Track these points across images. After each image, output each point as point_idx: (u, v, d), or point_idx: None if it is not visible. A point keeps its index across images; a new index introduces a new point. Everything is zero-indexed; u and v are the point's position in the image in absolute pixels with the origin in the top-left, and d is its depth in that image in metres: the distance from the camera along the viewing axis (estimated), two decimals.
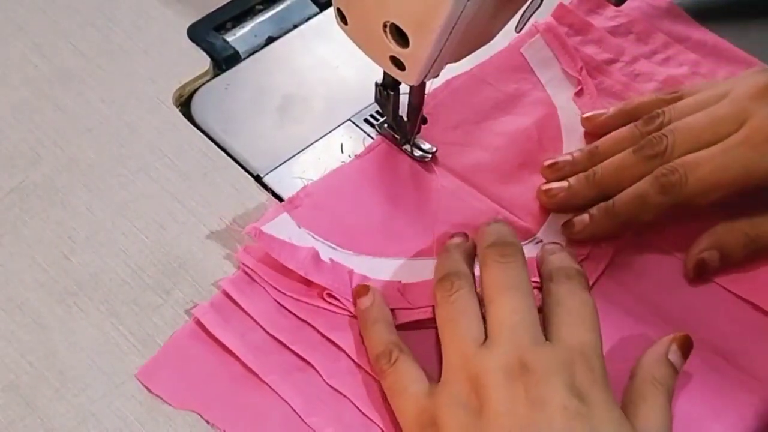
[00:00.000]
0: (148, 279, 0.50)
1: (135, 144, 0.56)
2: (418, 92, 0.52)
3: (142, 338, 0.48)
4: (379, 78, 0.53)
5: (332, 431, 0.45)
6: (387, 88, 0.53)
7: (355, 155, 0.56)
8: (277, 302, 0.49)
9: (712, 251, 0.51)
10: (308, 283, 0.49)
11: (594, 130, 0.57)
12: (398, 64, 0.47)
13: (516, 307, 0.44)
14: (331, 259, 0.50)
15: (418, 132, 0.55)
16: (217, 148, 0.56)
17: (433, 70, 0.46)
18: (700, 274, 0.51)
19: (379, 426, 0.45)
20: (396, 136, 0.55)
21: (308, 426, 0.45)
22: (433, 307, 0.47)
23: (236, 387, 0.46)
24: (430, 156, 0.55)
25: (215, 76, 0.60)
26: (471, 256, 0.49)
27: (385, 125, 0.56)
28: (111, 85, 0.58)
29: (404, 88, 0.52)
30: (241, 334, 0.48)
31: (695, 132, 0.50)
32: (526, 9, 0.48)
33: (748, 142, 0.49)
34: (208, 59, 0.60)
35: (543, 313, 0.45)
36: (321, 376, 0.46)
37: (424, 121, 0.55)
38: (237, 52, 0.61)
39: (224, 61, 0.60)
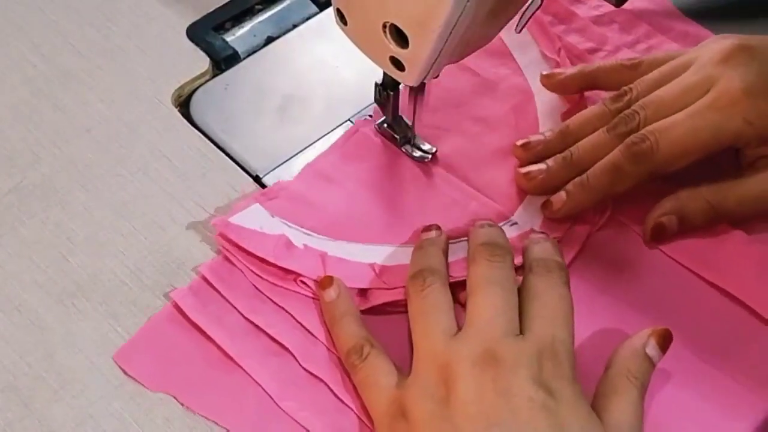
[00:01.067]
0: (146, 280, 0.50)
1: (134, 144, 0.56)
2: (417, 92, 0.52)
3: None
4: (379, 78, 0.52)
5: (307, 415, 0.45)
6: (387, 89, 0.53)
7: (333, 143, 0.56)
8: (255, 286, 0.49)
9: (671, 216, 0.51)
10: (286, 273, 0.49)
11: (552, 88, 0.58)
12: (398, 64, 0.46)
13: (495, 303, 0.44)
14: (304, 245, 0.50)
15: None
16: (216, 149, 0.56)
17: (433, 70, 0.46)
18: (657, 237, 0.51)
19: (353, 410, 0.45)
20: (395, 136, 0.55)
21: (282, 410, 0.45)
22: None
23: (212, 371, 0.46)
24: (429, 156, 0.55)
25: (214, 76, 0.60)
26: (445, 252, 0.49)
27: (385, 125, 0.56)
28: (110, 85, 0.58)
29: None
30: (218, 318, 0.48)
31: (665, 104, 0.51)
32: (526, 9, 0.48)
33: (714, 105, 0.50)
34: (207, 59, 0.60)
35: (519, 303, 0.45)
36: (297, 360, 0.47)
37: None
38: (236, 52, 0.61)
39: (223, 61, 0.60)
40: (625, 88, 0.53)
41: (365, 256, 0.50)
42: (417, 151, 0.55)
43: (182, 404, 0.45)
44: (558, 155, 0.53)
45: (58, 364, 0.47)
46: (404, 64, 0.46)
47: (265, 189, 0.53)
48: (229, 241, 0.50)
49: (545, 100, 0.58)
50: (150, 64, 0.60)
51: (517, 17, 0.49)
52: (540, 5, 0.47)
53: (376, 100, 0.54)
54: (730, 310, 0.49)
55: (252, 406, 0.45)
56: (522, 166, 0.54)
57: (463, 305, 0.46)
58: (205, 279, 0.49)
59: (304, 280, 0.49)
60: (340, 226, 0.52)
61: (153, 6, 0.63)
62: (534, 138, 0.54)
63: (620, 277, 0.51)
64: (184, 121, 0.57)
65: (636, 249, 0.52)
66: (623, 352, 0.45)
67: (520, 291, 0.46)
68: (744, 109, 0.49)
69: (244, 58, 0.61)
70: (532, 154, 0.54)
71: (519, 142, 0.54)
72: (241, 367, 0.46)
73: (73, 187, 0.53)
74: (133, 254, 0.51)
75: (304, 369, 0.46)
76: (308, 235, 0.51)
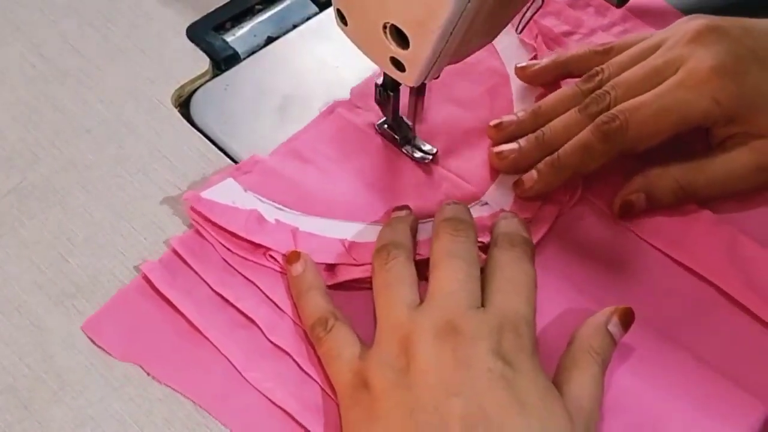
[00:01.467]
0: None
1: (133, 145, 0.55)
2: (418, 93, 0.52)
3: None
4: (379, 79, 0.52)
5: (272, 385, 0.45)
6: (387, 89, 0.52)
7: (309, 123, 0.56)
8: (224, 260, 0.49)
9: (639, 194, 0.52)
10: (256, 248, 0.50)
11: (527, 80, 0.58)
12: (398, 65, 0.46)
13: (457, 275, 0.45)
14: (276, 220, 0.51)
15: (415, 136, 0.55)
16: (216, 149, 0.56)
17: (433, 71, 0.46)
18: (626, 214, 0.52)
19: (317, 382, 0.46)
20: (396, 136, 0.55)
21: (248, 381, 0.46)
22: None
23: (179, 342, 0.47)
24: (430, 157, 0.55)
25: (214, 76, 0.60)
26: (413, 229, 0.50)
27: (385, 126, 0.56)
28: (109, 85, 0.58)
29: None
30: (187, 291, 0.48)
31: (635, 84, 0.52)
32: (527, 10, 0.48)
33: (683, 84, 0.51)
34: (207, 59, 0.60)
35: (483, 277, 0.46)
36: (263, 332, 0.47)
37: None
38: (236, 53, 0.61)
39: (223, 61, 0.60)
40: (596, 68, 0.54)
41: (336, 231, 0.51)
42: (417, 151, 0.55)
43: (148, 374, 0.46)
44: (530, 135, 0.54)
45: (58, 365, 0.46)
46: (404, 64, 0.46)
47: (240, 163, 0.54)
48: (201, 215, 0.50)
49: (520, 83, 0.59)
50: (150, 64, 0.59)
51: (517, 18, 0.49)
52: (541, 5, 0.47)
53: (376, 101, 0.54)
54: (698, 290, 0.50)
55: (218, 378, 0.46)
56: (495, 146, 0.54)
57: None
58: (175, 252, 0.50)
59: (273, 254, 0.49)
60: (312, 202, 0.52)
61: (153, 6, 0.63)
62: (507, 118, 0.55)
63: (589, 256, 0.51)
64: (184, 121, 0.57)
65: (606, 229, 0.52)
66: (586, 329, 0.46)
67: (485, 264, 0.47)
68: (713, 89, 0.50)
69: (244, 59, 0.61)
70: (504, 134, 0.55)
71: (492, 123, 0.55)
72: (208, 339, 0.47)
73: (73, 187, 0.53)
74: (133, 255, 0.51)
75: (270, 341, 0.47)
76: (280, 209, 0.52)
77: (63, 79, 0.58)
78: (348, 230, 0.51)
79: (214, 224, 0.50)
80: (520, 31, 0.49)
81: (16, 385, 0.46)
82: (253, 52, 0.61)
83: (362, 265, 0.49)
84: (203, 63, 0.60)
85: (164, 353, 0.47)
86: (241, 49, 0.61)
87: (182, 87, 0.59)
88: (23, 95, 0.57)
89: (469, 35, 0.45)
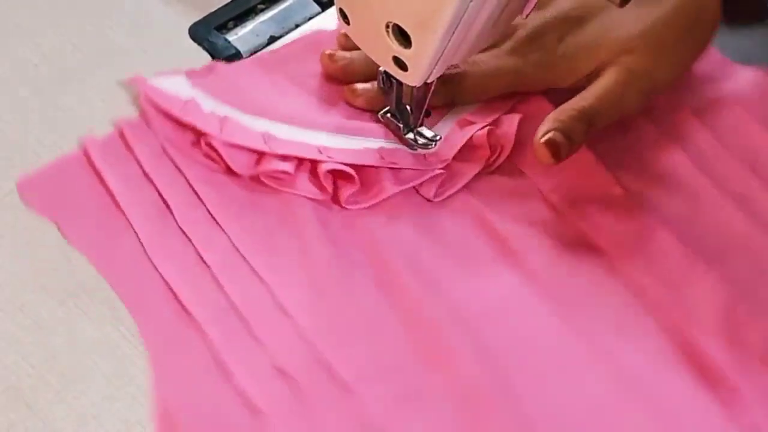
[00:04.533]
0: None
1: None
2: (422, 89, 0.52)
3: None
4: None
5: (173, 269, 0.48)
6: (390, 77, 0.52)
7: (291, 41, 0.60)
8: (162, 149, 0.52)
9: (555, 132, 0.51)
10: (196, 141, 0.53)
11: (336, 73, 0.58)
12: (401, 64, 0.46)
13: None
14: (212, 112, 0.54)
15: (422, 124, 0.55)
16: None
17: (436, 70, 0.46)
18: (555, 155, 0.51)
19: (210, 269, 0.48)
20: (399, 124, 0.55)
21: (150, 261, 0.48)
22: (298, 159, 0.52)
23: (99, 214, 0.50)
24: (434, 144, 0.54)
25: None
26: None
27: (388, 114, 0.55)
28: (111, 85, 0.58)
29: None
30: (119, 169, 0.51)
31: None
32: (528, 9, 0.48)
33: (515, 51, 0.55)
34: (210, 59, 0.60)
35: None
36: (175, 220, 0.50)
37: (428, 113, 0.55)
38: (238, 52, 0.61)
39: (226, 60, 0.60)
40: None
41: (263, 127, 0.53)
42: (421, 138, 0.54)
43: (63, 237, 0.49)
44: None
45: (61, 365, 0.46)
46: (407, 64, 0.46)
47: (199, 69, 0.57)
48: (148, 98, 0.54)
49: None
50: (152, 63, 0.59)
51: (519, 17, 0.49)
52: None
53: (380, 87, 0.54)
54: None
55: (126, 254, 0.49)
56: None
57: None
58: (119, 133, 0.53)
59: (211, 142, 0.52)
60: (251, 104, 0.55)
61: (155, 5, 0.62)
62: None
63: (505, 212, 0.53)
64: None
65: (522, 187, 0.54)
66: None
67: None
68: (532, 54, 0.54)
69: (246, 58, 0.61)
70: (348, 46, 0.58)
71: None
72: (125, 215, 0.50)
73: None
74: None
75: (180, 229, 0.50)
76: (221, 106, 0.55)
77: (65, 79, 0.58)
78: (274, 128, 0.53)
79: (160, 111, 0.53)
80: (525, 17, 0.49)
81: (19, 385, 0.46)
82: (256, 52, 0.61)
83: (284, 157, 0.51)
84: (205, 62, 0.60)
85: (82, 221, 0.50)
86: (243, 49, 0.61)
87: None
88: (24, 95, 0.57)
89: (472, 34, 0.45)
